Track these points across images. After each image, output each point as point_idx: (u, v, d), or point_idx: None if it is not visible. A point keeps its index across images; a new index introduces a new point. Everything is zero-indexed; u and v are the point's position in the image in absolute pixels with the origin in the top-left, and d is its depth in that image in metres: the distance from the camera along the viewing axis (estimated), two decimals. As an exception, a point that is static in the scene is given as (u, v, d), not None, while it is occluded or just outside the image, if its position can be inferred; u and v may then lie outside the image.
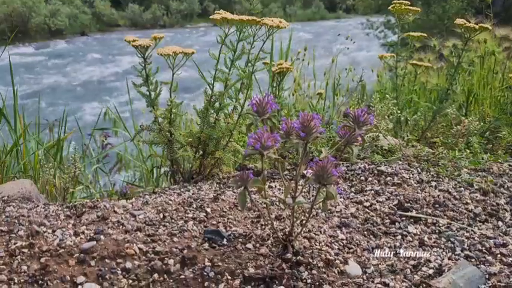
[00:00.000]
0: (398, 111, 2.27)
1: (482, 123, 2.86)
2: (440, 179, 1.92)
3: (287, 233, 1.38)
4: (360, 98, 4.01)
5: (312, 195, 1.80)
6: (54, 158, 3.08)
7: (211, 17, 2.21)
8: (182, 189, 2.22)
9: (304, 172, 1.37)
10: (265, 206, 1.36)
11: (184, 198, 1.82)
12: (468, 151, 2.21)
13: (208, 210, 1.64)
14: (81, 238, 1.40)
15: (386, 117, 2.19)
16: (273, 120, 1.30)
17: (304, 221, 1.41)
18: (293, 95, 3.81)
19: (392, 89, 2.98)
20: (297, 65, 3.72)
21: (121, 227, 1.51)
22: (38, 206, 2.07)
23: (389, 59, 3.29)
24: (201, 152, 2.43)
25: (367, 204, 1.68)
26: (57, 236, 1.40)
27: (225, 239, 1.41)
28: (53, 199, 2.47)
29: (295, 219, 1.37)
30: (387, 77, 3.79)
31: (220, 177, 2.41)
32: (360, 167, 2.02)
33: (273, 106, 1.31)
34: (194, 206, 1.70)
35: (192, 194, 2.11)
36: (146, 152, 3.71)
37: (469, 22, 2.71)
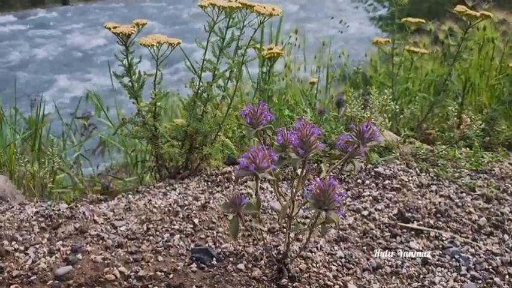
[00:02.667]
0: (397, 107, 2.16)
1: (480, 115, 2.77)
2: (441, 182, 1.82)
3: (282, 252, 1.27)
4: (353, 81, 3.88)
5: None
6: (32, 148, 2.93)
7: (198, 3, 2.05)
8: (168, 188, 2.10)
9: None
10: (260, 229, 1.24)
11: (170, 204, 1.70)
12: (468, 149, 2.12)
13: (196, 221, 1.52)
14: (56, 258, 1.27)
15: (383, 111, 2.07)
16: (268, 132, 1.17)
17: (300, 239, 1.30)
18: (283, 79, 3.66)
19: (387, 76, 2.85)
20: (287, 49, 3.56)
21: (101, 242, 1.38)
22: (12, 207, 1.94)
23: (384, 44, 3.15)
24: (188, 147, 2.30)
25: (366, 213, 1.58)
26: (30, 257, 1.27)
27: (214, 259, 1.30)
28: (31, 195, 2.33)
29: (290, 239, 1.26)
30: (381, 63, 3.65)
31: (208, 172, 2.28)
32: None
33: (267, 116, 1.18)
34: (181, 215, 1.58)
35: (179, 194, 1.99)
36: (130, 140, 3.56)
37: (470, 8, 2.58)
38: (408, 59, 2.96)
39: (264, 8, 2.11)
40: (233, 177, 2.17)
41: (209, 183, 2.14)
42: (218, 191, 1.99)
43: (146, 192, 2.06)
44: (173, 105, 4.18)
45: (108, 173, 3.56)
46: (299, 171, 1.17)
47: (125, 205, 1.81)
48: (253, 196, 1.66)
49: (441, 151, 2.06)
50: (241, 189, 1.97)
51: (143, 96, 2.25)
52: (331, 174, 1.15)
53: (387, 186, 1.75)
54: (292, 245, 1.33)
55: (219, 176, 2.18)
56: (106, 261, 1.25)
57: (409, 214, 1.55)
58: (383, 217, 1.56)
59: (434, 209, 1.59)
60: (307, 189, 1.08)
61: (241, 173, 1.06)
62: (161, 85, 2.31)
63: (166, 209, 1.63)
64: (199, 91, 2.21)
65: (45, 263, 1.24)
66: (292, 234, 1.38)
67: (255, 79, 3.24)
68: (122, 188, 2.59)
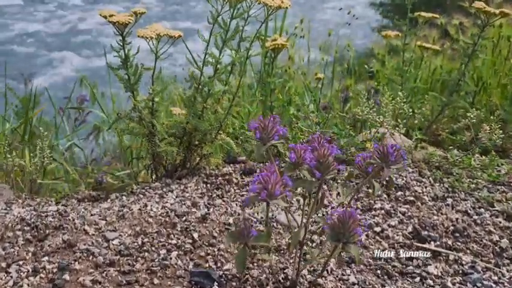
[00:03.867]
0: (410, 110, 2.03)
1: (492, 117, 2.64)
2: (456, 195, 1.71)
3: (290, 279, 1.16)
4: (359, 75, 3.74)
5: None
6: (22, 138, 2.78)
7: (201, -7, 1.90)
8: (164, 189, 1.98)
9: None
10: (269, 265, 1.12)
11: (167, 212, 1.57)
12: (483, 156, 2.00)
13: (196, 235, 1.40)
14: (41, 278, 1.15)
15: (395, 114, 1.94)
16: (280, 148, 1.05)
17: (308, 259, 1.18)
18: (286, 71, 3.51)
19: (397, 73, 2.72)
20: (292, 40, 3.40)
21: (91, 257, 1.26)
22: (-3, 206, 1.82)
23: (393, 38, 3.02)
24: (187, 144, 2.17)
25: (378, 229, 1.46)
26: (12, 277, 1.15)
27: (215, 283, 1.18)
28: (20, 190, 2.20)
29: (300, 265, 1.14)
30: (389, 57, 3.50)
31: (208, 172, 2.16)
32: (365, 175, 1.79)
33: (280, 131, 1.05)
34: (179, 228, 1.46)
35: (176, 197, 1.87)
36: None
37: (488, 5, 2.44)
38: (418, 54, 2.83)
39: (273, 0, 1.97)
40: (234, 179, 2.05)
41: (208, 185, 2.02)
42: (218, 195, 1.87)
43: (141, 194, 1.94)
44: (171, 93, 4.03)
45: (102, 159, 3.42)
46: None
47: (118, 210, 1.69)
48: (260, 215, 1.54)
49: (456, 159, 1.95)
50: (242, 194, 1.85)
51: (141, 87, 2.12)
52: (349, 197, 1.03)
53: (400, 198, 1.64)
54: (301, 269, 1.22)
55: (219, 178, 2.06)
56: (96, 286, 1.13)
57: (425, 232, 1.44)
58: (397, 235, 1.44)
59: (452, 227, 1.48)
60: (325, 218, 0.96)
61: (250, 200, 0.93)
62: (160, 73, 2.17)
63: (163, 219, 1.50)
64: (200, 86, 2.07)
65: (28, 285, 1.12)
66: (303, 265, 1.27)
67: (257, 68, 3.10)
68: (116, 183, 2.46)
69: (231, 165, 2.28)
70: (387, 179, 1.01)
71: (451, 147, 2.34)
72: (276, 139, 1.04)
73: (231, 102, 2.13)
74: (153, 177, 2.22)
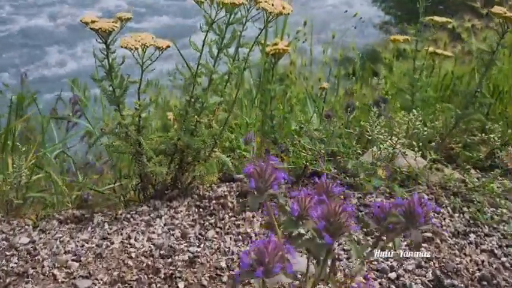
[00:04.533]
0: (425, 129, 1.83)
1: (509, 130, 2.45)
2: (479, 229, 1.51)
3: None
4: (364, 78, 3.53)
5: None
6: (2, 150, 2.58)
7: (193, -3, 1.70)
8: (152, 214, 1.78)
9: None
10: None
11: (152, 250, 1.38)
12: (505, 181, 1.80)
13: (181, 285, 1.21)
14: None
15: (409, 135, 1.75)
16: (281, 199, 0.85)
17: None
18: (288, 76, 3.31)
19: (407, 82, 2.51)
20: (294, 44, 3.19)
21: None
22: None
23: (402, 42, 2.81)
24: (178, 161, 1.98)
25: (393, 275, 1.27)
26: None
27: None
28: (-4, 209, 2.01)
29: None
30: (396, 61, 3.29)
31: (201, 193, 1.97)
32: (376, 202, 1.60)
33: (280, 178, 0.86)
34: (162, 273, 1.26)
35: (164, 225, 1.68)
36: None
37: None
38: (429, 60, 2.62)
39: (273, 5, 1.76)
40: (229, 203, 1.85)
41: (201, 209, 1.82)
42: (211, 224, 1.68)
43: (126, 220, 1.75)
44: (165, 98, 3.83)
45: (95, 164, 3.22)
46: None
47: (97, 244, 1.50)
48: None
49: (475, 184, 1.75)
50: (238, 224, 1.65)
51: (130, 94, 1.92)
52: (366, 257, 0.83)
53: (416, 234, 1.44)
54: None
55: (213, 201, 1.87)
56: None
57: (449, 281, 1.25)
58: (415, 283, 1.25)
59: (478, 273, 1.29)
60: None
61: (243, 277, 0.73)
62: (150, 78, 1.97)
63: (145, 261, 1.31)
64: (192, 99, 1.88)
65: None
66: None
67: (256, 72, 2.90)
68: (101, 202, 2.26)
69: (227, 183, 2.09)
70: (414, 240, 0.81)
71: (465, 164, 2.15)
72: (275, 188, 0.84)
73: (227, 117, 1.94)
74: (141, 198, 2.03)
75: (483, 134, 2.25)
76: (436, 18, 2.43)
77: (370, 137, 1.73)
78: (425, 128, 1.75)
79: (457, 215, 1.58)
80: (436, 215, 1.54)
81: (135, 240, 1.53)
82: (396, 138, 1.67)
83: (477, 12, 4.17)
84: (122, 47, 1.59)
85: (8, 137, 2.62)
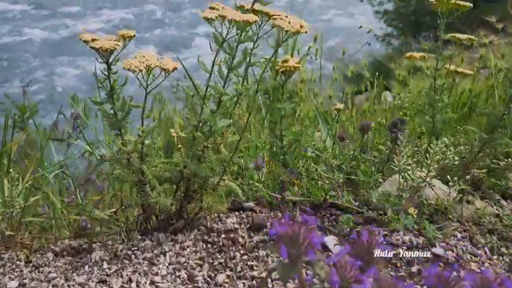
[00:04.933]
0: (455, 158, 1.67)
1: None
2: (522, 274, 1.35)
3: None
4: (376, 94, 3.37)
5: None
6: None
7: (202, 15, 1.55)
8: (156, 251, 1.63)
9: None
10: None
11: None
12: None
13: None
14: None
15: (441, 166, 1.59)
16: (318, 270, 0.70)
17: None
18: (297, 93, 3.17)
19: (427, 104, 2.36)
20: (304, 60, 3.05)
21: None
22: None
23: (418, 59, 2.67)
24: (184, 190, 1.83)
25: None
26: None
27: None
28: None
29: None
30: (411, 77, 3.14)
31: (208, 225, 1.81)
32: (405, 242, 1.44)
33: (316, 243, 0.70)
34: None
35: (169, 265, 1.52)
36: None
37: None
38: (448, 79, 2.47)
39: (289, 22, 1.62)
40: (240, 238, 1.70)
41: (209, 245, 1.67)
42: (221, 264, 1.52)
43: (127, 258, 1.59)
44: (168, 113, 3.69)
45: (96, 179, 3.06)
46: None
47: (95, 289, 1.34)
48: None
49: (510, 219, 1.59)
50: (251, 266, 1.49)
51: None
52: None
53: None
54: None
55: (222, 235, 1.71)
56: None
57: None
58: None
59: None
60: None
61: None
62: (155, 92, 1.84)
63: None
64: (200, 123, 1.73)
65: None
66: None
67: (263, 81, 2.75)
68: (100, 231, 2.10)
69: (236, 213, 1.93)
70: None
71: (491, 191, 1.99)
72: (312, 257, 0.68)
73: (237, 143, 1.79)
74: (143, 229, 1.87)
75: (509, 159, 2.10)
76: (458, 35, 2.29)
77: (396, 168, 1.57)
78: (456, 158, 1.60)
79: (495, 257, 1.42)
80: (472, 257, 1.38)
81: (137, 284, 1.37)
82: (427, 171, 1.51)
83: (492, 27, 4.04)
84: (124, 68, 1.44)
85: (3, 157, 2.47)
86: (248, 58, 1.72)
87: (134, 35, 1.62)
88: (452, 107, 2.82)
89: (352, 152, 2.16)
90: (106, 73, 1.61)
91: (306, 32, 1.60)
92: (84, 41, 1.58)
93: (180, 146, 2.01)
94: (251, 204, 2.01)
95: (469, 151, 2.19)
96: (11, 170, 2.42)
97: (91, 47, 1.57)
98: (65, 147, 3.63)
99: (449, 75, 2.41)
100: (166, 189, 1.78)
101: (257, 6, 1.76)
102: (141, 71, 1.45)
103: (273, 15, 1.68)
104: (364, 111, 3.08)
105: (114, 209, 2.12)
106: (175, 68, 1.47)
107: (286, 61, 2.25)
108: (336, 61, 3.59)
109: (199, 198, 1.83)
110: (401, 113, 2.53)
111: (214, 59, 1.64)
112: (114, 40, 1.60)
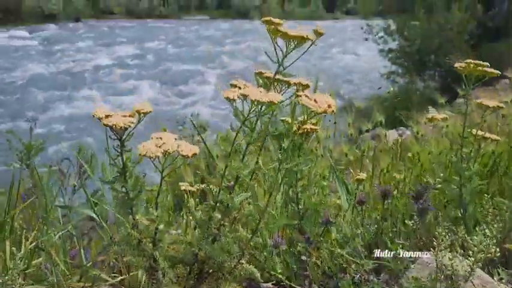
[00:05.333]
0: (497, 251, 1.53)
1: None
2: None
3: None
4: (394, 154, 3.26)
5: None
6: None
7: (224, 94, 1.46)
8: None
9: None
10: None
11: None
12: None
13: None
14: None
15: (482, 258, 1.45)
16: None
17: None
18: (312, 151, 3.05)
19: (453, 170, 2.24)
20: (320, 119, 2.95)
21: None
22: None
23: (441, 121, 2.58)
24: (197, 271, 1.70)
25: None
26: None
27: None
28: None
29: None
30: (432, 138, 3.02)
31: (223, 308, 1.67)
32: None
33: None
34: None
35: None
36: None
37: None
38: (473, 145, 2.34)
39: (316, 101, 1.52)
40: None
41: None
42: None
43: None
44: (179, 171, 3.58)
45: (92, 230, 2.91)
46: None
47: None
48: None
49: None
50: None
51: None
52: None
53: None
54: None
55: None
56: None
57: None
58: None
59: None
60: None
61: None
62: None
63: None
64: (217, 204, 1.62)
65: None
66: None
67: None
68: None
69: (253, 294, 1.79)
70: None
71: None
72: None
73: (257, 224, 1.67)
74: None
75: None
76: (486, 102, 2.18)
77: (433, 257, 1.44)
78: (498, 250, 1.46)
79: None
80: None
81: None
82: (472, 264, 1.37)
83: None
84: (141, 155, 1.34)
85: (6, 223, 2.35)
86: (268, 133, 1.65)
87: (151, 111, 1.53)
88: (478, 173, 2.68)
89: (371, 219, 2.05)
90: (119, 150, 1.52)
91: (334, 112, 1.50)
92: (97, 118, 1.49)
93: (188, 201, 1.90)
94: (269, 285, 1.87)
95: (503, 227, 2.06)
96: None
97: (104, 124, 1.48)
98: (70, 193, 3.51)
99: (476, 141, 2.29)
100: (178, 275, 1.66)
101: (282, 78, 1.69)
102: (157, 157, 1.34)
103: (294, 83, 1.60)
104: (383, 171, 2.94)
105: (121, 277, 1.99)
106: (194, 154, 1.36)
107: (303, 122, 2.15)
108: (349, 115, 3.50)
109: (215, 283, 1.70)
110: (424, 180, 2.41)
111: (235, 137, 1.55)
112: (129, 116, 1.51)
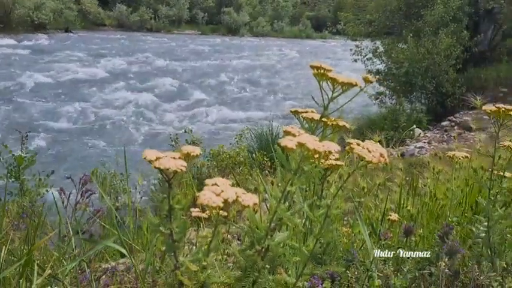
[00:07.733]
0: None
1: None
2: None
3: None
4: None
5: None
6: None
7: (281, 143, 1.44)
8: None
9: None
10: None
11: None
12: None
13: None
14: None
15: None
16: None
17: None
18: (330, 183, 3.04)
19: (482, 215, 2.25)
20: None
21: None
22: None
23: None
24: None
25: None
26: None
27: None
28: None
29: None
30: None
31: None
32: None
33: None
34: None
35: None
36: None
37: None
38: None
39: (369, 151, 1.52)
40: None
41: None
42: None
43: None
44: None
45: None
46: None
47: None
48: None
49: None
50: None
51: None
52: None
53: None
54: None
55: None
56: None
57: None
58: None
59: None
60: None
61: None
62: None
63: None
64: (262, 248, 1.60)
65: None
66: None
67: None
68: None
69: None
70: None
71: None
72: None
73: (302, 269, 1.65)
74: None
75: None
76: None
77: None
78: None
79: None
80: None
81: None
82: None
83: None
84: (202, 204, 1.31)
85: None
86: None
87: (200, 154, 1.51)
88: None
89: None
90: (167, 194, 1.49)
91: (386, 163, 1.50)
92: (148, 161, 1.47)
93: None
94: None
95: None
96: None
97: (155, 168, 1.45)
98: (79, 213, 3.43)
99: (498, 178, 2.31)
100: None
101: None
102: (218, 207, 1.32)
103: (353, 146, 1.59)
104: (400, 205, 2.95)
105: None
106: (255, 204, 1.34)
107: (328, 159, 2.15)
108: (345, 135, 3.50)
109: (255, 326, 1.66)
110: (449, 220, 2.42)
111: (283, 193, 1.53)
112: (179, 157, 1.49)
